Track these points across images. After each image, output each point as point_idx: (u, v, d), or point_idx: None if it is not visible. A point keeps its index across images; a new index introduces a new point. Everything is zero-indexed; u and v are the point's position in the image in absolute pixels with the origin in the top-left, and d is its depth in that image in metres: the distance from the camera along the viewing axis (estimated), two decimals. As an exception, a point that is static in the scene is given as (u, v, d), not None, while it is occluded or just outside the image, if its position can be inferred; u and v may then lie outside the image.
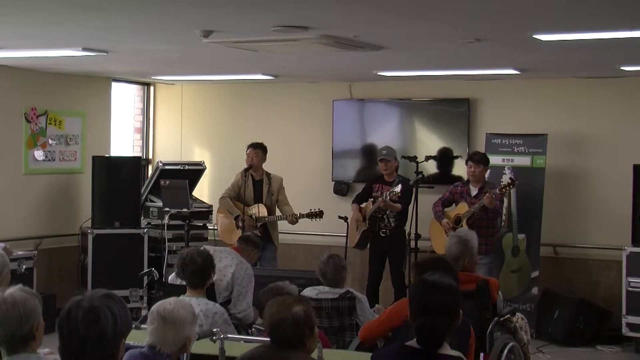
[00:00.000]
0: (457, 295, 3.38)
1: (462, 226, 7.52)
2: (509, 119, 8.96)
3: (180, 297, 4.92)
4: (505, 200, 8.14)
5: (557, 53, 6.69)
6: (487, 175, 8.05)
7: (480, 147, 8.74)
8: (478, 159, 7.82)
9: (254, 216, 8.17)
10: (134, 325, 3.53)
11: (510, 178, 7.80)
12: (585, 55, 6.87)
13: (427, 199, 8.18)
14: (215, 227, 8.74)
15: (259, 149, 8.37)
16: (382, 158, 8.21)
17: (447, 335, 3.29)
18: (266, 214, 8.19)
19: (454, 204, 7.94)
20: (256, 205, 8.24)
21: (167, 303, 3.65)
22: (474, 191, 7.82)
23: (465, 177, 8.46)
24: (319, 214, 8.07)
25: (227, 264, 5.87)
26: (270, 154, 8.45)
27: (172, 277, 5.73)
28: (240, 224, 8.24)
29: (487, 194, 7.50)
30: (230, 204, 8.40)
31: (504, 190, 7.62)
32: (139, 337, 4.07)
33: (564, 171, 8.75)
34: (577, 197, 8.73)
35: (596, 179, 8.67)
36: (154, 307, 3.67)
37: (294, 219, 8.09)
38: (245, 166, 8.31)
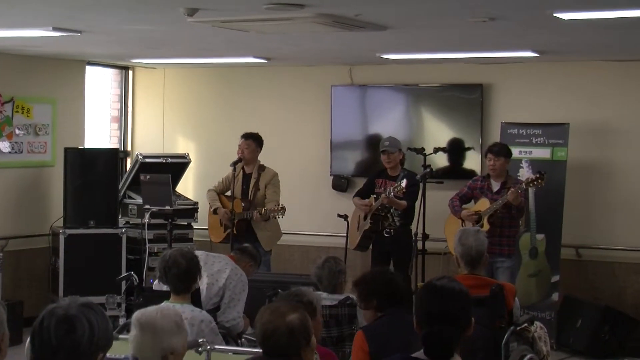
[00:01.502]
0: (468, 302, 3.39)
1: (482, 225, 7.50)
2: (527, 107, 8.97)
3: (164, 304, 4.94)
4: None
5: (581, 33, 6.69)
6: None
7: (495, 138, 8.74)
8: (498, 151, 7.78)
9: (234, 211, 8.19)
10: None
11: (539, 172, 7.61)
12: (612, 36, 6.87)
13: (435, 195, 8.18)
14: (202, 227, 8.78)
15: (250, 140, 8.39)
16: (384, 150, 8.23)
17: (457, 346, 3.31)
18: (241, 210, 8.22)
19: (472, 201, 7.91)
20: (235, 200, 8.27)
21: (149, 310, 3.67)
22: (495, 186, 7.77)
23: (479, 171, 8.46)
24: (280, 211, 8.05)
25: (221, 269, 5.90)
26: (264, 147, 8.47)
27: (157, 284, 5.74)
28: (222, 220, 8.29)
29: (511, 189, 7.46)
30: (214, 197, 8.48)
31: (531, 184, 7.52)
32: (116, 349, 4.07)
33: (588, 164, 8.76)
34: (603, 193, 8.74)
35: (624, 173, 8.67)
36: (134, 314, 3.69)
37: (258, 215, 8.10)
38: (236, 158, 8.33)
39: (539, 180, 7.51)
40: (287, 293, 4.62)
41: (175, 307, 4.81)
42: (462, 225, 7.49)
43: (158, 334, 3.57)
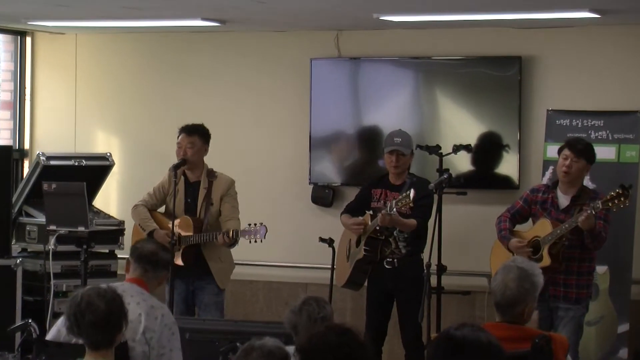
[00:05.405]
0: (500, 358, 3.40)
1: (541, 256, 7.42)
2: (583, 89, 9.00)
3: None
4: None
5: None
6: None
7: (539, 131, 8.78)
8: (581, 149, 7.55)
9: (177, 234, 8.16)
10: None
11: (623, 186, 7.31)
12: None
13: (456, 212, 8.20)
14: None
15: (196, 136, 8.35)
16: (394, 149, 8.15)
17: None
18: (192, 232, 8.20)
19: (531, 220, 7.79)
20: (181, 218, 8.24)
21: None
22: (563, 201, 7.62)
23: (516, 178, 8.47)
24: (259, 231, 8.04)
25: (134, 319, 5.80)
26: (213, 145, 8.46)
27: (55, 334, 5.70)
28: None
29: (584, 210, 7.29)
30: (144, 215, 8.41)
31: (610, 204, 7.26)
32: None
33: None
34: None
35: None
36: None
37: (226, 239, 8.07)
38: (177, 161, 8.32)
39: (622, 199, 7.25)
40: (246, 349, 4.59)
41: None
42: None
43: None
